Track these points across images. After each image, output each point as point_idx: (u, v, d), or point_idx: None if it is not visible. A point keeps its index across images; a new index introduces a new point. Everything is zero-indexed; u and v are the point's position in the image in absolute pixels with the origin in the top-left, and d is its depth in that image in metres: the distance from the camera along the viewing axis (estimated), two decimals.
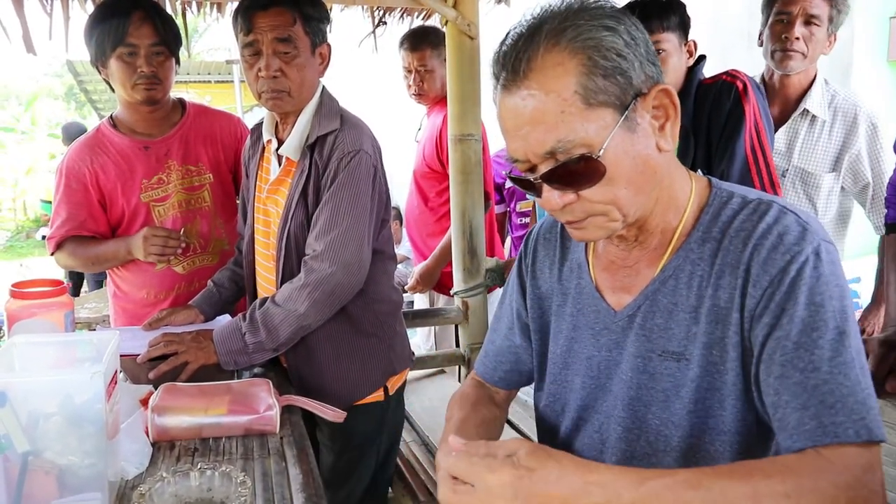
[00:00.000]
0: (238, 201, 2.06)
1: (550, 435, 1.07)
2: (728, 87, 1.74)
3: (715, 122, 1.72)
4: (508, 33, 0.85)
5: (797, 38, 1.90)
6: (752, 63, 3.46)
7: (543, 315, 1.07)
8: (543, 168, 0.83)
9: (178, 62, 1.95)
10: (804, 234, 0.81)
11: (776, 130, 1.98)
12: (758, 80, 2.08)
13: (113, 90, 1.95)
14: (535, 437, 1.12)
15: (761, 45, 2.08)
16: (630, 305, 0.93)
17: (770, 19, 1.96)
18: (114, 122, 2.00)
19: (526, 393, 2.24)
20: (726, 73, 1.78)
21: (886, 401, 1.25)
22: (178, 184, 1.99)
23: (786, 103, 2.07)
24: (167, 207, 1.99)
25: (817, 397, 0.76)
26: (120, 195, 1.95)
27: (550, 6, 0.84)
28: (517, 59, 0.82)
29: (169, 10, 2.41)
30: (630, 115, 0.82)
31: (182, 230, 1.94)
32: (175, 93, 2.07)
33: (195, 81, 11.72)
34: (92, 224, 1.97)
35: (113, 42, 1.81)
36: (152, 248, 1.84)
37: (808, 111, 2.02)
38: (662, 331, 0.90)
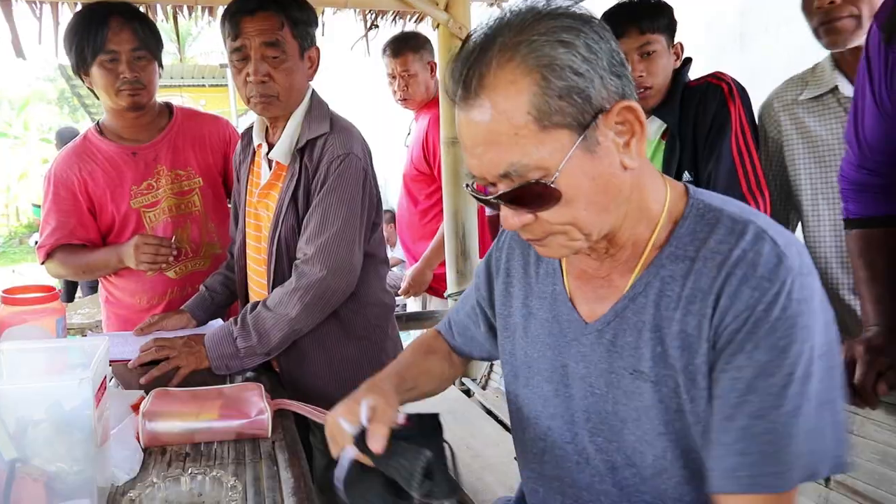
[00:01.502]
0: (229, 205, 2.07)
1: (523, 437, 1.06)
2: (714, 89, 1.71)
3: (701, 123, 1.69)
4: (463, 44, 0.81)
5: (832, 2, 1.49)
6: (744, 64, 3.48)
7: (513, 314, 1.05)
8: (500, 188, 0.80)
9: (160, 65, 1.95)
10: (778, 267, 0.77)
11: None
12: (827, 63, 1.68)
13: (98, 98, 1.95)
14: None
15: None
16: (600, 320, 0.91)
17: None
18: (101, 129, 1.99)
19: None
20: (712, 75, 1.76)
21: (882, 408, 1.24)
22: (167, 189, 1.98)
23: None
24: (158, 213, 1.98)
25: (758, 446, 0.76)
26: (109, 202, 1.94)
27: (506, 15, 0.79)
28: (469, 75, 0.78)
29: (160, 14, 2.42)
30: (589, 135, 0.77)
31: (173, 237, 1.94)
32: (169, 96, 2.07)
33: (189, 85, 11.71)
34: (82, 232, 1.96)
35: (93, 50, 1.81)
36: (143, 257, 1.84)
37: None
38: (633, 349, 0.87)
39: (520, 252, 1.06)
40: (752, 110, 1.76)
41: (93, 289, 5.27)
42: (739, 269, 0.78)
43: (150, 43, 1.87)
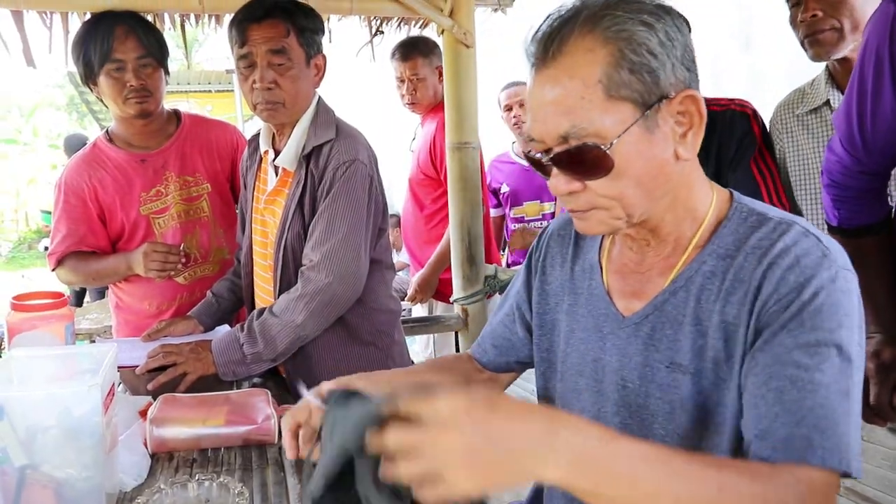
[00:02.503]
0: (237, 210, 2.08)
1: None
2: (740, 116, 1.72)
3: (725, 146, 1.71)
4: (549, 15, 0.85)
5: (814, 16, 1.52)
6: (748, 66, 3.47)
7: (549, 311, 1.06)
8: (556, 150, 0.83)
9: (167, 73, 1.96)
10: (823, 259, 0.79)
11: None
12: (822, 75, 1.72)
13: (107, 106, 1.97)
14: None
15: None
16: (639, 313, 0.92)
17: (789, 8, 1.63)
18: (110, 137, 2.01)
19: (530, 391, 2.24)
20: (734, 102, 1.77)
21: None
22: (176, 195, 2.00)
23: None
24: (167, 219, 2.00)
25: (812, 419, 0.74)
26: (119, 209, 1.96)
27: None
28: (550, 40, 0.82)
29: (168, 22, 2.44)
30: (650, 116, 0.81)
31: (182, 244, 1.95)
32: (176, 102, 2.09)
33: (196, 91, 11.76)
34: (92, 239, 1.97)
35: (100, 59, 1.83)
36: (152, 265, 1.85)
37: None
38: (671, 342, 0.88)
39: (558, 250, 1.07)
40: (767, 131, 1.78)
41: (101, 293, 5.29)
42: (783, 260, 0.80)
43: (155, 50, 1.89)
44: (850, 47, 1.54)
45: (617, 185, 0.82)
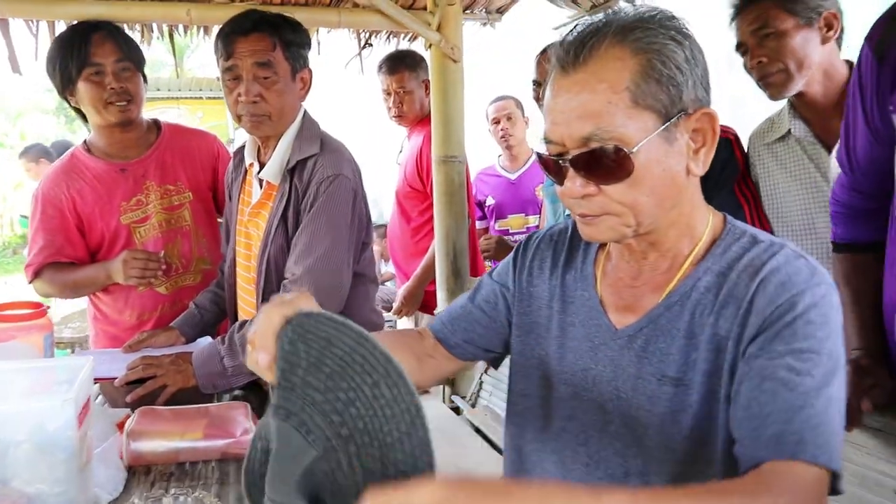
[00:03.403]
0: (220, 220, 2.08)
1: (523, 435, 1.06)
2: (723, 142, 1.76)
3: (710, 170, 1.76)
4: (577, 24, 0.87)
5: (760, 62, 1.64)
6: (731, 88, 3.51)
7: (530, 314, 1.06)
8: (576, 152, 0.84)
9: (145, 80, 1.96)
10: (813, 276, 0.82)
11: (830, 148, 1.65)
12: (786, 106, 1.77)
13: (86, 119, 1.95)
14: None
15: None
16: (632, 326, 0.93)
17: (741, 56, 1.74)
18: (88, 147, 2.00)
19: (499, 407, 2.24)
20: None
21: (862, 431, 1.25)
22: (157, 204, 1.99)
23: (828, 118, 1.67)
24: (148, 228, 1.99)
25: (802, 417, 0.75)
26: (98, 219, 1.95)
27: (623, 9, 0.87)
28: (581, 45, 0.84)
29: (156, 32, 2.45)
30: (671, 128, 0.83)
31: (162, 252, 1.94)
32: (166, 109, 2.09)
33: (186, 98, 11.73)
34: (70, 250, 1.96)
35: (78, 64, 1.82)
36: (132, 272, 1.84)
37: None
38: (664, 355, 0.90)
39: (549, 254, 1.07)
40: (747, 155, 1.84)
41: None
42: (775, 277, 0.83)
43: (133, 55, 1.89)
44: (800, 84, 1.63)
45: (632, 192, 0.84)
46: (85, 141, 2.03)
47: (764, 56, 1.62)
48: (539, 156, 0.91)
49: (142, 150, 2.00)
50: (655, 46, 0.82)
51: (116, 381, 1.52)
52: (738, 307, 0.84)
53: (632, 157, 0.82)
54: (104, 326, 2.05)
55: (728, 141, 1.79)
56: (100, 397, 1.57)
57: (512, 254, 1.13)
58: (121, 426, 1.31)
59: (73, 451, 0.94)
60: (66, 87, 1.88)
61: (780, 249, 0.86)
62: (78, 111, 1.96)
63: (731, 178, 1.77)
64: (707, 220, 0.93)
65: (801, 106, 1.71)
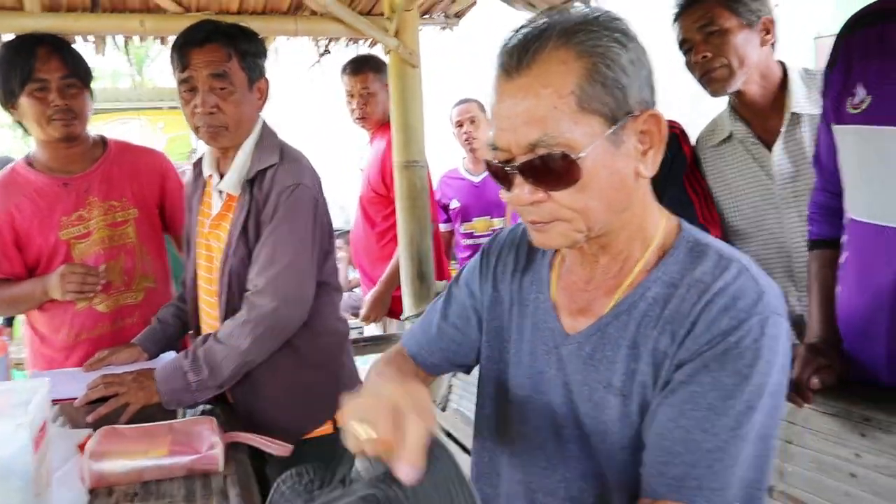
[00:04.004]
0: (168, 236, 2.07)
1: (493, 442, 1.07)
2: (670, 136, 1.82)
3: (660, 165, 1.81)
4: (520, 27, 0.85)
5: (705, 57, 1.68)
6: (687, 87, 3.57)
7: (498, 318, 1.07)
8: (523, 159, 0.83)
9: (92, 96, 1.93)
10: (757, 302, 0.82)
11: (771, 147, 1.72)
12: (726, 110, 1.84)
13: (27, 132, 1.91)
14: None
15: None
16: (582, 332, 0.94)
17: (683, 55, 1.78)
18: (30, 161, 1.95)
19: (469, 410, 2.25)
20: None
21: (812, 406, 1.30)
22: (100, 220, 1.95)
23: (766, 118, 1.74)
24: (89, 244, 1.95)
25: (707, 462, 0.79)
26: (37, 234, 1.90)
27: (566, 12, 0.85)
28: (524, 49, 0.82)
29: (110, 43, 2.41)
30: (617, 132, 0.82)
31: (102, 266, 1.90)
32: (127, 120, 2.06)
33: (147, 108, 11.52)
34: (6, 265, 1.90)
35: (21, 79, 1.78)
36: (69, 286, 1.80)
37: (798, 115, 1.68)
38: (609, 363, 0.90)
39: (511, 259, 1.07)
40: (695, 150, 1.89)
41: (9, 322, 4.19)
42: (720, 299, 0.82)
43: (80, 71, 1.86)
44: (740, 80, 1.68)
45: (581, 197, 0.83)
46: (27, 156, 1.98)
47: (709, 51, 1.67)
48: (487, 163, 0.90)
49: (86, 164, 1.96)
50: (600, 49, 0.81)
51: (77, 401, 1.49)
52: (681, 325, 0.84)
53: (579, 163, 0.80)
54: (39, 347, 1.98)
55: (675, 136, 1.82)
56: (60, 419, 1.53)
57: (478, 258, 1.13)
58: (83, 447, 1.28)
59: (29, 477, 0.92)
60: (8, 101, 1.83)
61: (730, 265, 0.85)
62: (21, 124, 1.91)
63: (679, 173, 1.80)
64: (659, 223, 0.93)
65: (741, 107, 1.77)
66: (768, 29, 1.69)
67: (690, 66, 1.75)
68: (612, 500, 0.92)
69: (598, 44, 0.82)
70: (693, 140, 1.90)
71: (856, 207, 1.26)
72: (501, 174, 0.87)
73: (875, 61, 1.21)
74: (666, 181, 1.79)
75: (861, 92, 1.22)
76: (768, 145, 1.72)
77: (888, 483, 1.16)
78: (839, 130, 1.28)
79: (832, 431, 1.26)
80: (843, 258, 1.32)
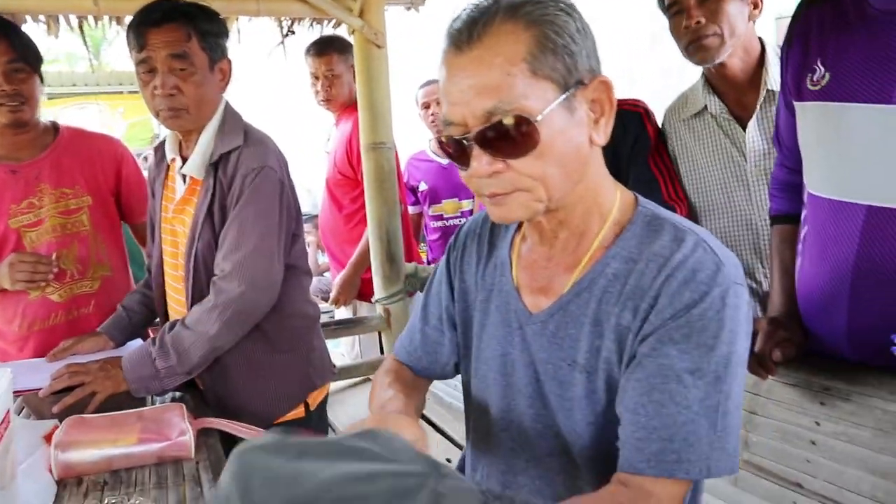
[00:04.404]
0: (125, 223, 2.05)
1: (478, 428, 1.08)
2: (633, 115, 1.83)
3: (622, 144, 1.80)
4: (466, 7, 0.86)
5: (698, 22, 1.62)
6: (656, 61, 3.61)
7: (467, 309, 1.08)
8: (479, 128, 0.82)
9: (42, 80, 1.87)
10: (716, 274, 0.83)
11: (745, 124, 1.70)
12: (700, 82, 1.81)
13: None
14: (459, 439, 1.13)
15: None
16: (545, 311, 0.95)
17: (668, 18, 1.72)
18: None
19: (451, 395, 2.27)
20: (627, 102, 1.85)
21: (775, 378, 1.33)
22: (51, 208, 1.90)
23: (742, 93, 1.72)
24: (41, 233, 1.90)
25: (683, 434, 0.80)
26: None
27: None
28: (473, 23, 0.83)
29: (63, 24, 2.34)
30: (570, 98, 0.83)
31: (54, 255, 1.86)
32: (85, 105, 2.00)
33: (106, 93, 11.19)
34: None
35: None
36: (19, 276, 1.76)
37: (773, 92, 1.65)
38: (573, 341, 0.91)
39: (474, 248, 1.08)
40: (659, 129, 1.88)
41: None
42: (680, 273, 0.84)
43: (28, 55, 1.80)
44: (727, 52, 1.64)
45: (540, 163, 0.83)
46: None
47: (703, 16, 1.62)
48: (440, 141, 0.89)
49: (36, 151, 1.91)
50: (548, 18, 0.82)
51: (41, 391, 1.46)
52: (642, 300, 0.86)
53: (537, 127, 0.81)
54: None
55: (639, 115, 1.83)
56: (24, 410, 1.51)
57: (444, 255, 1.14)
58: (48, 438, 1.26)
59: None
60: None
61: (686, 238, 0.87)
62: None
63: (643, 152, 1.81)
64: (615, 197, 0.94)
65: (718, 80, 1.74)
66: (757, 4, 1.67)
67: (677, 30, 1.69)
68: (579, 477, 0.94)
69: (545, 13, 0.83)
70: (658, 118, 1.90)
71: (814, 182, 1.29)
72: (457, 149, 0.87)
73: (832, 38, 1.23)
74: (630, 161, 1.80)
75: (820, 69, 1.24)
76: (742, 122, 1.71)
77: (846, 448, 1.20)
78: (800, 107, 1.30)
79: (794, 401, 1.30)
80: (803, 232, 1.34)
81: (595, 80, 0.86)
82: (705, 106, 1.77)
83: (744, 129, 1.71)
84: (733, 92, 1.73)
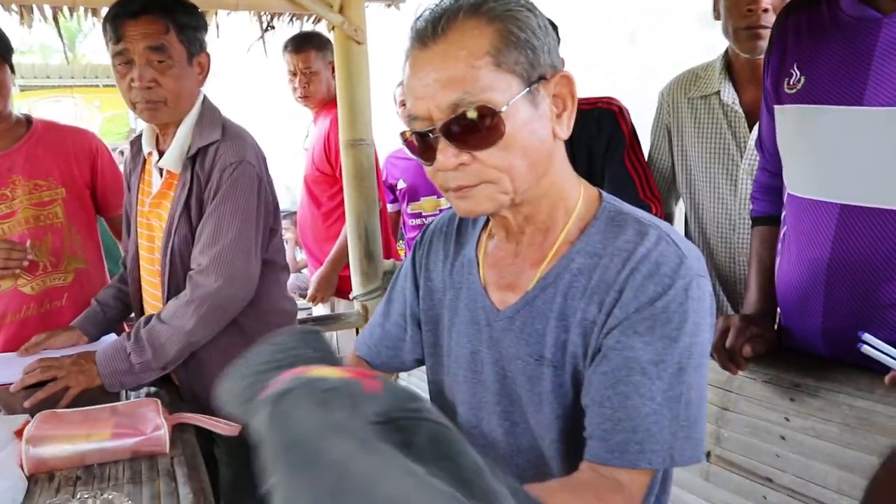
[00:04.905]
0: (102, 216, 2.04)
1: None
2: (607, 114, 1.83)
3: (596, 143, 1.82)
4: (430, 6, 0.87)
5: (765, 10, 1.51)
6: (636, 63, 3.65)
7: (434, 307, 1.09)
8: (445, 121, 0.83)
9: (12, 70, 1.85)
10: (679, 267, 0.85)
11: (753, 122, 1.63)
12: (718, 64, 1.73)
13: None
14: None
15: (718, 17, 1.70)
16: (511, 307, 0.95)
17: None
18: None
19: (417, 386, 2.28)
20: (602, 100, 1.86)
21: (746, 374, 1.36)
22: (24, 199, 1.89)
23: (758, 90, 1.55)
24: (13, 224, 1.88)
25: (646, 425, 0.82)
26: None
27: None
28: (437, 20, 0.84)
29: (37, 14, 2.30)
30: (533, 92, 0.85)
31: (28, 242, 1.84)
32: (60, 98, 1.98)
33: (81, 86, 10.99)
34: None
35: None
36: None
37: None
38: (539, 336, 0.92)
39: (441, 246, 1.09)
40: (635, 128, 1.89)
41: None
42: (644, 266, 0.85)
43: None
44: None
45: (506, 155, 0.84)
46: None
47: (771, 6, 1.55)
48: (404, 137, 0.90)
49: (8, 143, 1.89)
50: (510, 13, 0.84)
51: (12, 386, 1.44)
52: (607, 294, 0.87)
53: (502, 118, 0.82)
54: None
55: (612, 113, 1.84)
56: None
57: (410, 254, 1.15)
58: (20, 433, 1.24)
59: None
60: None
61: (648, 232, 0.88)
62: None
63: (618, 150, 1.83)
64: (578, 192, 0.95)
65: (745, 72, 1.68)
66: None
67: (736, 8, 1.58)
68: (549, 470, 0.95)
69: (508, 8, 0.85)
70: (636, 118, 1.90)
71: (793, 183, 1.31)
72: (422, 144, 0.88)
73: (808, 43, 1.25)
74: (605, 159, 1.82)
75: (796, 72, 1.26)
76: (751, 119, 1.68)
77: (814, 444, 1.22)
78: (779, 110, 1.32)
79: (764, 397, 1.33)
80: (782, 232, 1.37)
81: (557, 74, 0.88)
82: (718, 91, 1.73)
83: (750, 127, 1.69)
84: (753, 87, 1.66)
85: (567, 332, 0.90)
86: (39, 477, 1.19)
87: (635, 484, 0.83)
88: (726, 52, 1.75)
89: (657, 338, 0.84)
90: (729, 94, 1.72)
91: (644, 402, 0.83)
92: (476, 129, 0.83)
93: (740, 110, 1.71)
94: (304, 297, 3.30)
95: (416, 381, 2.27)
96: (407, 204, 3.28)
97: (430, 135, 0.85)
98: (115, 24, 1.51)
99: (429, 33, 0.84)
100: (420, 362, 1.18)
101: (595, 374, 0.87)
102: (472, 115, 0.82)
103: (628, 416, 0.83)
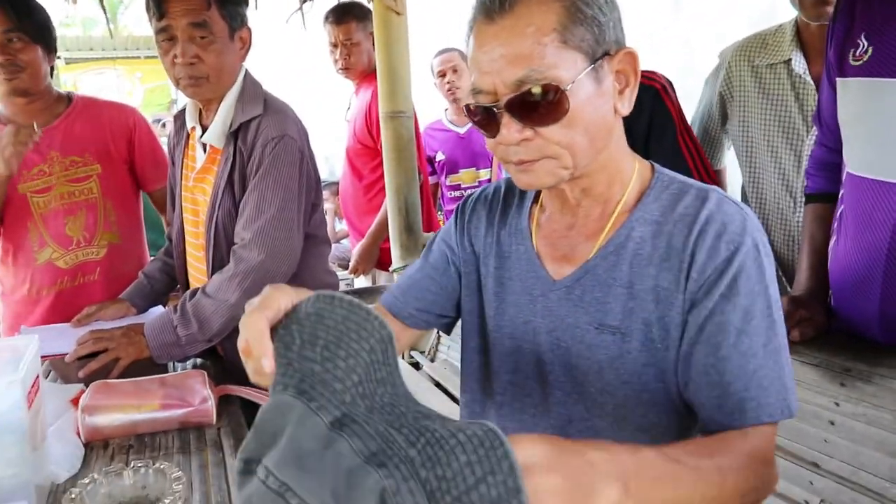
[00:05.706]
0: (145, 191, 2.08)
1: (481, 394, 1.09)
2: (647, 90, 1.66)
3: (636, 123, 1.66)
4: None
5: None
6: (678, 30, 3.53)
7: (472, 273, 1.09)
8: (510, 96, 0.84)
9: (51, 49, 1.88)
10: (745, 223, 0.86)
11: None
12: (789, 29, 1.65)
13: None
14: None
15: None
16: (569, 276, 0.95)
17: None
18: None
19: (457, 360, 2.28)
20: (644, 75, 1.76)
21: (795, 357, 1.32)
22: (60, 175, 1.93)
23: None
24: (49, 199, 1.93)
25: (756, 382, 0.83)
26: None
27: None
28: None
29: None
30: (597, 69, 0.85)
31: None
32: (102, 70, 2.01)
33: (122, 58, 11.14)
34: None
35: None
36: (6, 151, 1.73)
37: None
38: (601, 304, 0.92)
39: (485, 214, 1.09)
40: (678, 103, 1.74)
41: None
42: (711, 227, 0.86)
43: (26, 25, 1.79)
44: None
45: (569, 132, 0.85)
46: None
47: None
48: (468, 109, 0.90)
49: (48, 119, 1.93)
50: None
51: (67, 356, 1.49)
52: (680, 261, 0.87)
53: (567, 95, 0.83)
54: (10, 301, 2.00)
55: (654, 91, 1.69)
56: (51, 374, 1.54)
57: (453, 216, 1.14)
58: (75, 402, 1.29)
59: (23, 432, 0.93)
60: None
61: (709, 196, 0.89)
62: None
63: (666, 133, 1.70)
64: (633, 165, 0.96)
65: (816, 39, 1.59)
66: None
67: None
68: (602, 440, 0.94)
69: None
70: (680, 93, 1.78)
71: (853, 161, 1.26)
72: (486, 117, 0.88)
73: (878, 12, 1.18)
74: (654, 140, 1.68)
75: (863, 43, 1.20)
76: (818, 89, 1.57)
77: (864, 430, 1.19)
78: (841, 83, 1.26)
79: (814, 381, 1.30)
80: (839, 211, 1.32)
81: (621, 51, 0.87)
82: (789, 59, 1.65)
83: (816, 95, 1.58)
84: (821, 56, 1.57)
85: (635, 300, 0.90)
86: (95, 444, 1.24)
87: (762, 437, 0.83)
88: (795, 19, 1.68)
89: (743, 296, 0.84)
90: (800, 64, 1.65)
91: (748, 360, 0.83)
92: (540, 106, 0.83)
93: (811, 81, 1.64)
94: (344, 267, 3.34)
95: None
96: (445, 176, 3.27)
97: (495, 109, 0.86)
98: (158, 0, 1.52)
99: (496, 7, 0.84)
100: (443, 320, 1.15)
101: (694, 347, 0.87)
102: (536, 91, 0.82)
103: (736, 378, 0.83)
